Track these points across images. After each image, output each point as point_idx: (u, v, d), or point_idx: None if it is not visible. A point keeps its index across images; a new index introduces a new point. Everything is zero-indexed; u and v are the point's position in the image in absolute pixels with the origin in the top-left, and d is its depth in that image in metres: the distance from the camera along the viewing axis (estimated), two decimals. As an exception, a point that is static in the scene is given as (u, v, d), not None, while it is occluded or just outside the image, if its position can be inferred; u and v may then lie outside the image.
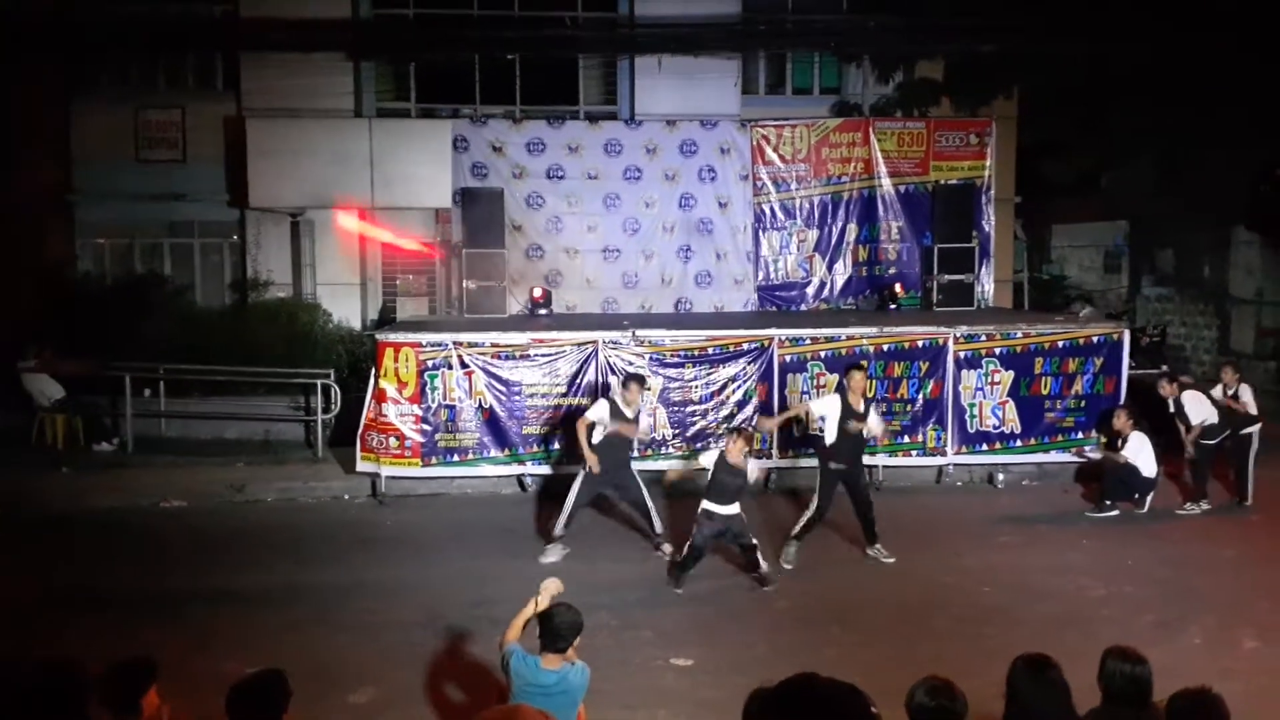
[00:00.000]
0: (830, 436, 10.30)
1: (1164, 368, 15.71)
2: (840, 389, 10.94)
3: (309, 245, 17.83)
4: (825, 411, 10.42)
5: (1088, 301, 20.60)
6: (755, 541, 9.67)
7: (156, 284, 17.51)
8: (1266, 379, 18.76)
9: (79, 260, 18.18)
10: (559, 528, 10.50)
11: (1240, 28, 16.09)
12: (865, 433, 10.43)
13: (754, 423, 11.95)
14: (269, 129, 17.02)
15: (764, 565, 9.66)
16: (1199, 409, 12.28)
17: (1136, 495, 12.12)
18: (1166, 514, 12.05)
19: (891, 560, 10.31)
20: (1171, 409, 12.44)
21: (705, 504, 9.55)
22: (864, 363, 12.04)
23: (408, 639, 8.42)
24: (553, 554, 10.41)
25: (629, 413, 10.49)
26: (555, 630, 5.41)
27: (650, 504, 10.65)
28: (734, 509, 9.52)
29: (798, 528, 10.31)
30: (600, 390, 12.32)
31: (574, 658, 5.47)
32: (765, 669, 6.55)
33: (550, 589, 5.81)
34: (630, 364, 12.86)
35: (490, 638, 8.13)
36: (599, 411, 10.43)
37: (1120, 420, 12.40)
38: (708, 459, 9.68)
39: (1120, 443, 12.21)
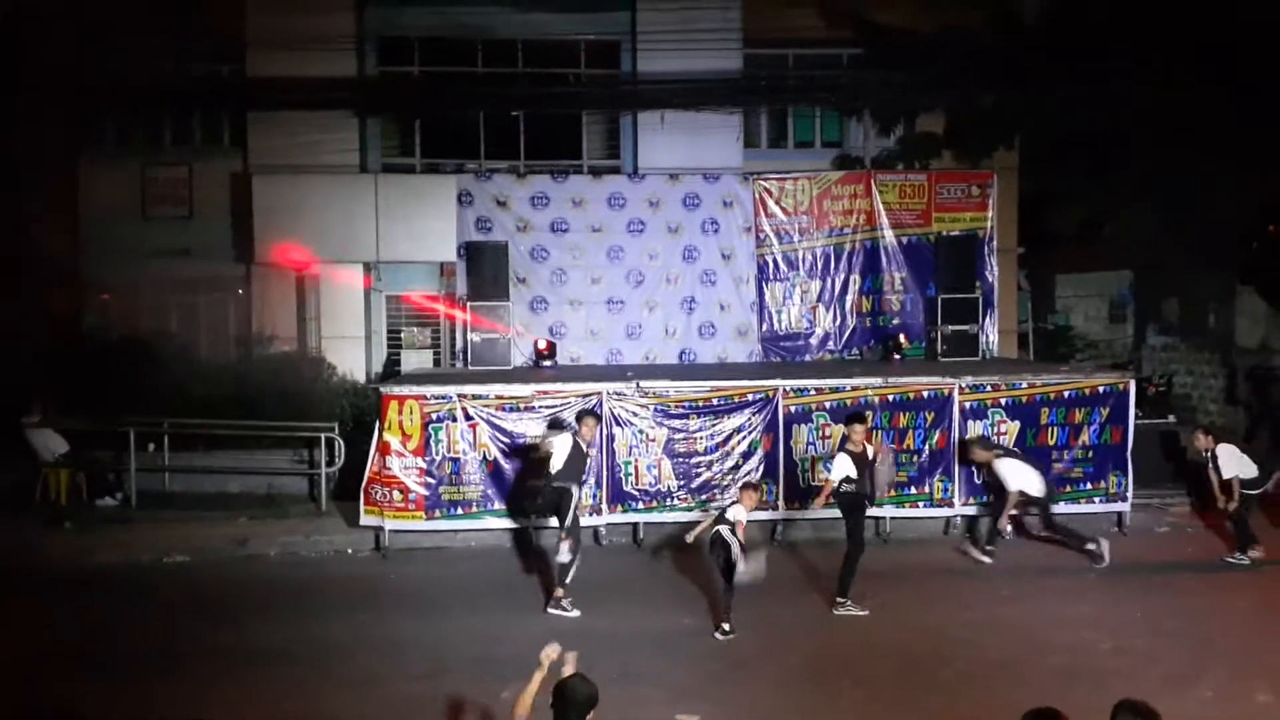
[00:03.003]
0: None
1: (1171, 418, 15.62)
2: (844, 446, 10.93)
3: (314, 299, 17.94)
4: (845, 472, 10.68)
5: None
6: (726, 586, 9.70)
7: (162, 339, 17.56)
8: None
9: (85, 316, 18.27)
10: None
11: (1226, 71, 16.17)
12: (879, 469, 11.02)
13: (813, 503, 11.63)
14: (275, 185, 17.17)
15: (724, 626, 9.68)
16: (1232, 463, 12.14)
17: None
18: (1178, 566, 11.93)
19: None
20: (1208, 462, 12.32)
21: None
22: (867, 414, 11.99)
23: (411, 694, 8.33)
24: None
25: (585, 446, 11.00)
26: (571, 705, 5.09)
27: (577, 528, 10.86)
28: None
29: (843, 578, 10.50)
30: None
31: None
32: (771, 723, 6.53)
33: (550, 655, 5.49)
34: (635, 414, 12.89)
35: (494, 693, 8.09)
36: (561, 446, 10.75)
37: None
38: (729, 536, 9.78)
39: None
